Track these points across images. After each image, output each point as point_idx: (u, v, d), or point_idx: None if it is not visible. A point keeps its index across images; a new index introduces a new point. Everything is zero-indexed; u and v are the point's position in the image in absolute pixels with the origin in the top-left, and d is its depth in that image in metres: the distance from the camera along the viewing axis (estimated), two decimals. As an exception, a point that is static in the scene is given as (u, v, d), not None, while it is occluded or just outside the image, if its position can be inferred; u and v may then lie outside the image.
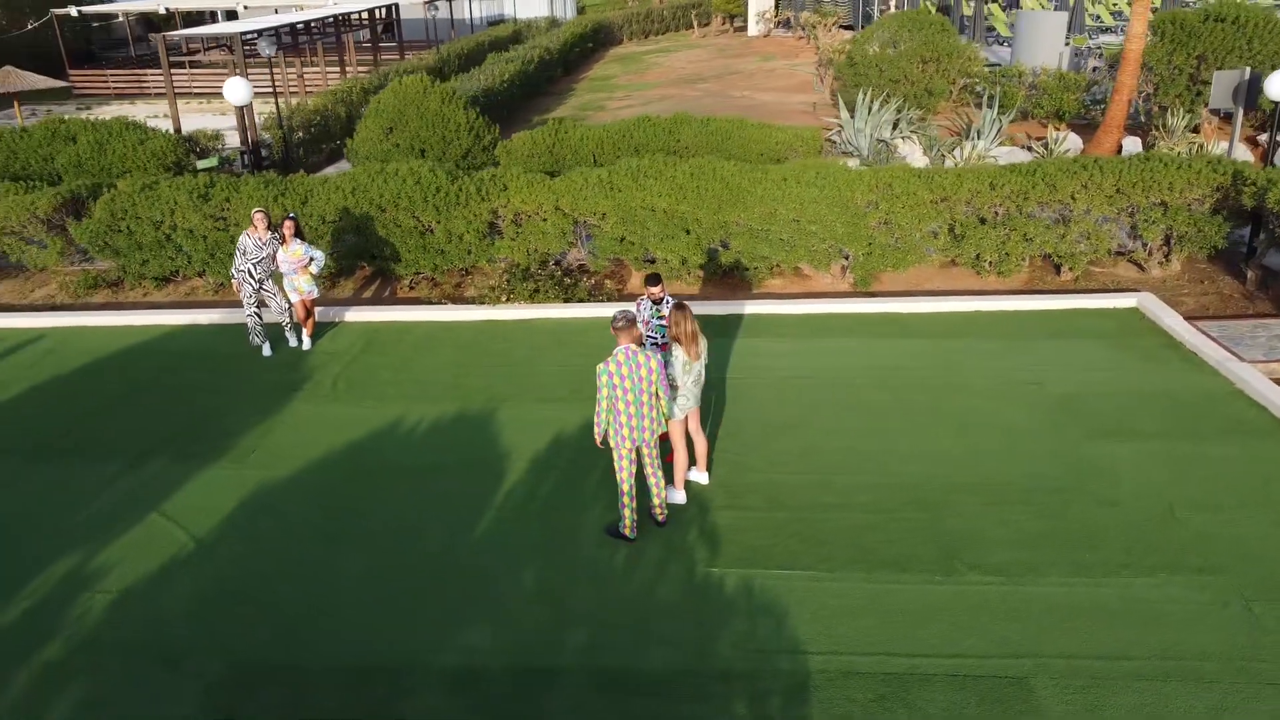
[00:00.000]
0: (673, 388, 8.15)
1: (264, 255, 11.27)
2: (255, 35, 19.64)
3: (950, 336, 11.83)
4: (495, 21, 44.96)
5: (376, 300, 13.79)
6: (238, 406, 10.40)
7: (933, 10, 32.54)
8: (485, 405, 10.33)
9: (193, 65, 33.76)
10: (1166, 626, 6.91)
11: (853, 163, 17.77)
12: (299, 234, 11.42)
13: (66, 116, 17.85)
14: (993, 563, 7.62)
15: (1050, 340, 11.64)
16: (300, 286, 11.55)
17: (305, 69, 33.39)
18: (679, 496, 8.50)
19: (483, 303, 12.97)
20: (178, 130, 20.90)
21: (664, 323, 8.82)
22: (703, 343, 8.18)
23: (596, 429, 7.70)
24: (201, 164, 17.16)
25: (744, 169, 13.53)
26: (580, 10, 50.20)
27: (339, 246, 13.57)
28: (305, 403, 10.47)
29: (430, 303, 13.32)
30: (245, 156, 18.11)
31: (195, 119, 26.18)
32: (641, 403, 7.60)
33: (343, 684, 6.50)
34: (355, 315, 12.87)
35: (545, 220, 13.41)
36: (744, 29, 44.04)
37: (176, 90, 30.32)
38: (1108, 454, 9.10)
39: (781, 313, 12.71)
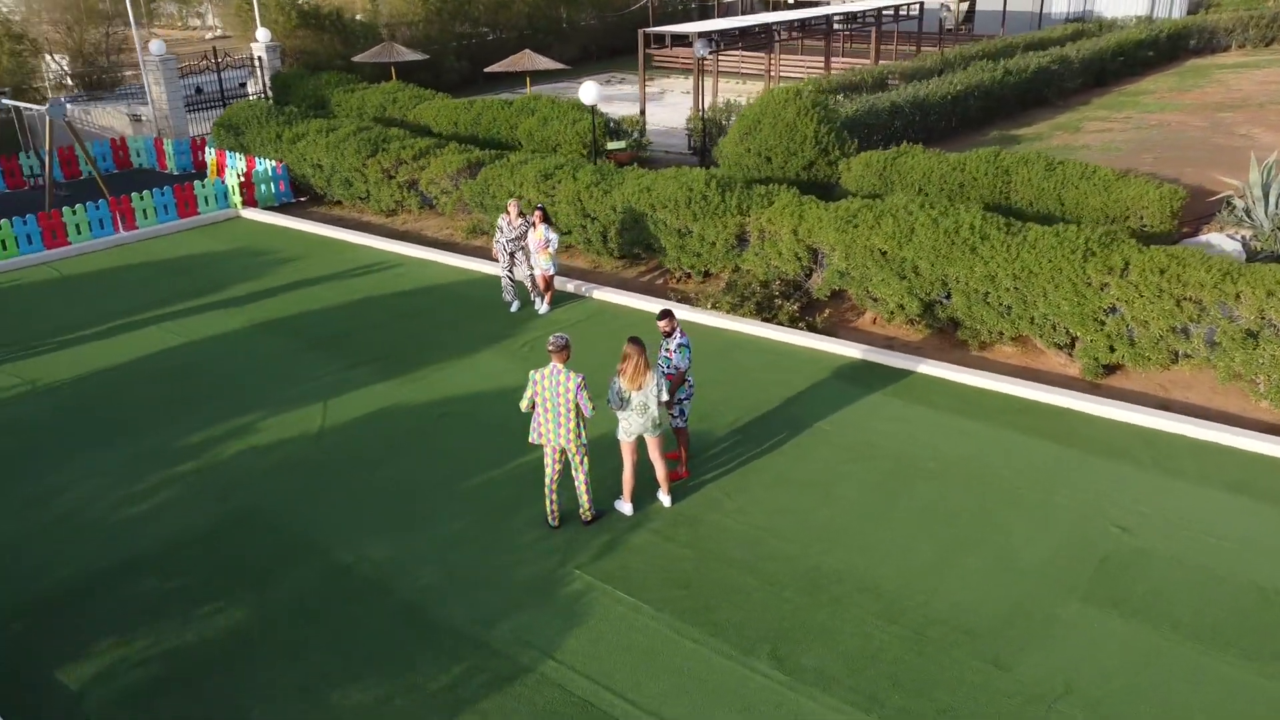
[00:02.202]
0: (618, 411, 9.18)
1: (513, 235, 14.09)
2: (699, 35, 22.35)
3: (1100, 453, 10.42)
4: (1076, 19, 42.07)
5: (644, 287, 15.85)
6: (447, 341, 13.45)
7: None
8: (596, 390, 11.90)
9: (727, 48, 37.69)
10: (871, 786, 6.52)
11: (1240, 236, 15.06)
12: (546, 221, 14.01)
13: (539, 94, 22.44)
14: (797, 663, 7.58)
15: (1219, 491, 9.69)
16: (540, 263, 14.18)
17: (809, 56, 35.46)
18: (626, 508, 9.53)
19: (696, 305, 14.35)
20: (642, 112, 24.66)
21: (668, 355, 9.74)
22: (651, 378, 9.03)
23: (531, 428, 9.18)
24: (611, 145, 20.50)
25: (988, 221, 12.85)
26: (1195, 9, 44.30)
27: (623, 234, 15.88)
28: (489, 353, 13.13)
29: (664, 297, 15.02)
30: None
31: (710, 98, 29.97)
32: (559, 412, 8.88)
33: (270, 546, 9.15)
34: (604, 294, 15.14)
35: (781, 242, 14.22)
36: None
37: (718, 70, 34.51)
38: (1077, 622, 7.95)
39: (945, 378, 12.13)
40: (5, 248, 16.90)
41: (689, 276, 15.77)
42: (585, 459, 9.19)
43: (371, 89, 24.76)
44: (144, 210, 18.50)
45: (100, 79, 31.94)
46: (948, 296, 13.10)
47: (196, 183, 19.40)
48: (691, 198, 14.94)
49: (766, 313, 13.84)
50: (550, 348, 8.92)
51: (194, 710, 7.23)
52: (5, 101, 19.86)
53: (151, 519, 9.61)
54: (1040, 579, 8.48)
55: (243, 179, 19.76)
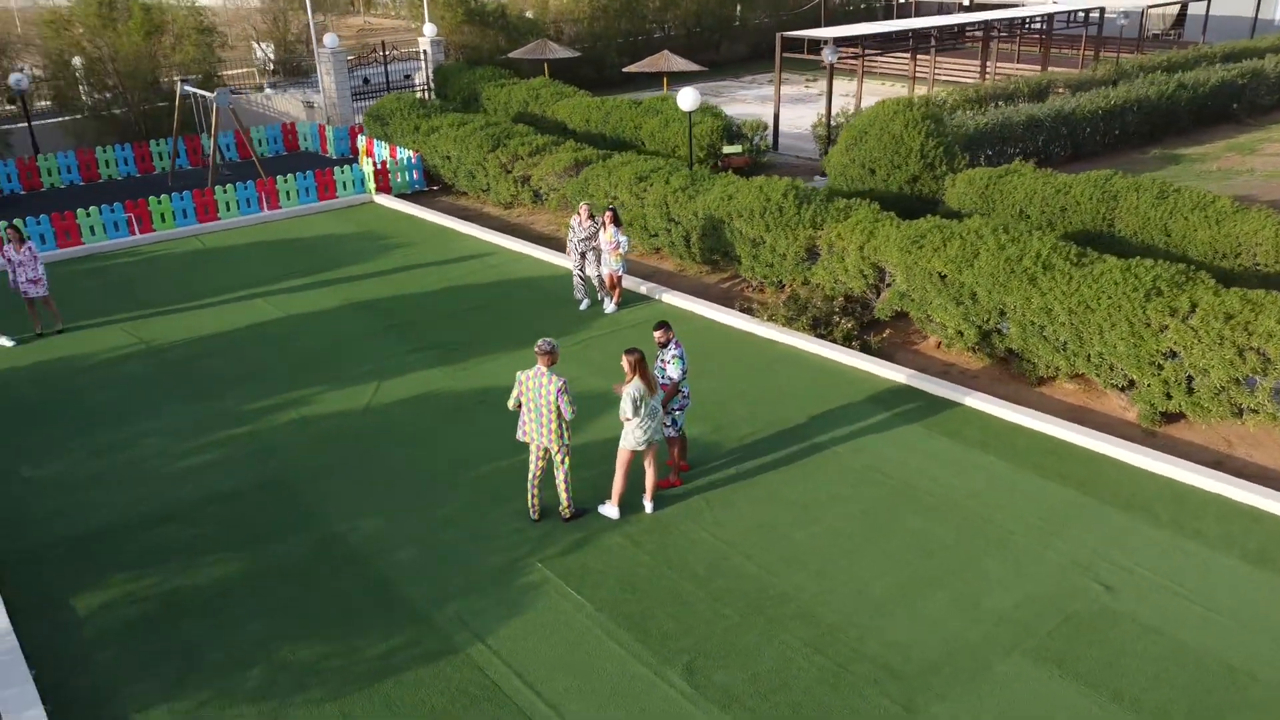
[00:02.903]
0: (630, 419, 9.42)
1: (583, 236, 14.62)
2: (830, 40, 22.03)
3: (1119, 505, 9.86)
4: (1297, 27, 38.23)
5: (722, 295, 15.98)
6: (509, 333, 14.15)
7: None
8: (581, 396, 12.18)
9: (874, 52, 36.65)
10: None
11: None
12: (616, 222, 14.46)
13: (668, 96, 22.79)
14: (708, 678, 7.74)
15: (1234, 559, 9.01)
16: (610, 263, 14.65)
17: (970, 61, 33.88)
18: (613, 511, 9.87)
19: (755, 317, 14.39)
20: (776, 116, 24.60)
21: (662, 365, 9.98)
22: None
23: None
24: (727, 149, 20.66)
25: (1057, 251, 12.30)
26: None
27: (704, 240, 16.09)
28: (544, 348, 13.71)
29: (736, 306, 15.09)
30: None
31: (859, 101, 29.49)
32: (542, 413, 9.33)
33: (281, 511, 10.09)
34: (673, 298, 15.41)
35: (847, 258, 14.04)
36: None
37: (870, 71, 33.85)
38: (1012, 677, 7.69)
39: (983, 411, 11.70)
40: (164, 220, 19.04)
41: (764, 287, 15.80)
42: (567, 459, 9.60)
43: (519, 85, 25.90)
44: (287, 192, 20.32)
45: (298, 66, 34.92)
46: (1007, 326, 12.60)
47: (336, 168, 21.07)
48: (767, 208, 14.97)
49: (822, 329, 13.73)
50: (537, 350, 9.38)
51: (164, 647, 8.20)
52: (186, 88, 22.23)
53: (194, 474, 10.80)
54: (992, 628, 8.21)
55: (378, 167, 21.27)
